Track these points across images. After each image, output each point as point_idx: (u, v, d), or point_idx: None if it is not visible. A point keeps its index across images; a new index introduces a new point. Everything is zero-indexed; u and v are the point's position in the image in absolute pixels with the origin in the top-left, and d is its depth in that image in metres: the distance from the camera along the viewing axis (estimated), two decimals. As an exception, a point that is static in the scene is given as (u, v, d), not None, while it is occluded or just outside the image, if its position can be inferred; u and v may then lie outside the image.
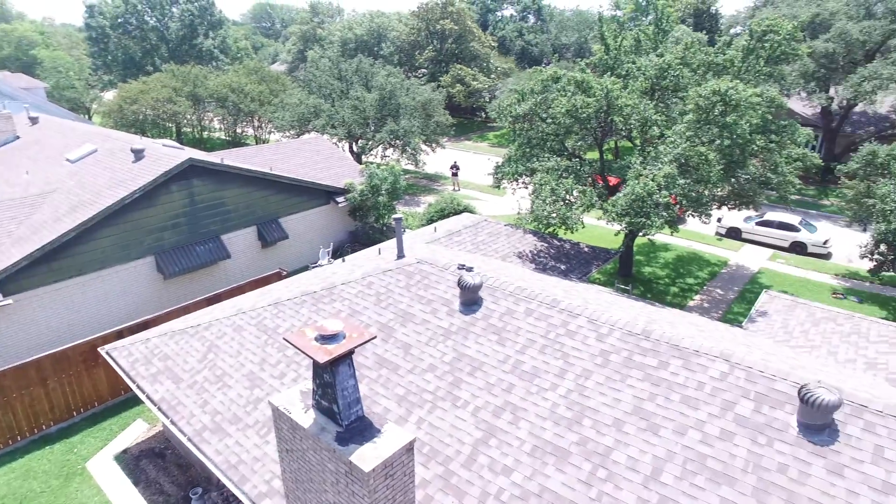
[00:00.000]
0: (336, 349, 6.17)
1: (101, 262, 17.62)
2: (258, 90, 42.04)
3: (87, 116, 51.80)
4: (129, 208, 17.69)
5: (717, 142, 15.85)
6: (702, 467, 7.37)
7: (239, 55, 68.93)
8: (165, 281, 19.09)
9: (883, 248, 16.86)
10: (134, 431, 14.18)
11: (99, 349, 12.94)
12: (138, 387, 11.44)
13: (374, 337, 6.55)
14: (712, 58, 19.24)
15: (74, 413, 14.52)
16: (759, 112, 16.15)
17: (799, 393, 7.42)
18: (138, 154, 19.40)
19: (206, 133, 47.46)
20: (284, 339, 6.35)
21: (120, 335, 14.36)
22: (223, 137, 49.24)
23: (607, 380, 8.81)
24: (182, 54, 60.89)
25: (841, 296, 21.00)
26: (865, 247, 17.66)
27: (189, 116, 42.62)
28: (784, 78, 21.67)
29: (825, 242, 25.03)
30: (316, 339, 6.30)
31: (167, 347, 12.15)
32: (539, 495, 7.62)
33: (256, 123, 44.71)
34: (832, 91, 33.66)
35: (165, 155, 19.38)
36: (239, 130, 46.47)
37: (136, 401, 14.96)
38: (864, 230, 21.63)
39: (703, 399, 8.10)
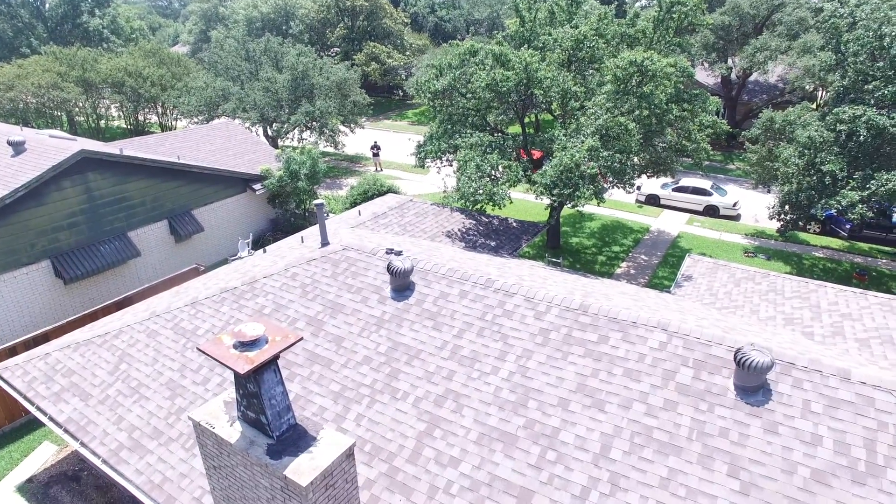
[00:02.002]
0: (258, 356, 5.56)
1: (-18, 271, 15.75)
2: (158, 74, 39.00)
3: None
4: (11, 209, 15.81)
5: (636, 112, 16.07)
6: (649, 439, 7.36)
7: (133, 36, 63.73)
8: (67, 286, 17.37)
9: (787, 208, 17.85)
10: (40, 456, 12.82)
11: (-12, 370, 11.50)
12: (38, 408, 10.23)
13: (301, 338, 5.98)
14: (625, 29, 19.48)
15: (-34, 443, 12.98)
16: (673, 82, 16.50)
17: (734, 357, 7.54)
18: (17, 147, 17.37)
19: (103, 122, 43.62)
20: (199, 349, 5.66)
21: (13, 352, 12.89)
22: (124, 126, 45.58)
23: (549, 359, 8.66)
24: (65, 34, 55.42)
25: (752, 254, 22.22)
26: (773, 208, 18.64)
27: (81, 104, 38.93)
28: (691, 48, 22.36)
29: (735, 205, 26.39)
30: (234, 347, 5.66)
31: (71, 361, 10.94)
32: (489, 484, 7.38)
33: (160, 110, 41.62)
34: (730, 61, 35.42)
35: (53, 147, 17.48)
36: (141, 118, 43.11)
37: (39, 422, 13.53)
38: (768, 192, 22.88)
39: (645, 371, 8.11)
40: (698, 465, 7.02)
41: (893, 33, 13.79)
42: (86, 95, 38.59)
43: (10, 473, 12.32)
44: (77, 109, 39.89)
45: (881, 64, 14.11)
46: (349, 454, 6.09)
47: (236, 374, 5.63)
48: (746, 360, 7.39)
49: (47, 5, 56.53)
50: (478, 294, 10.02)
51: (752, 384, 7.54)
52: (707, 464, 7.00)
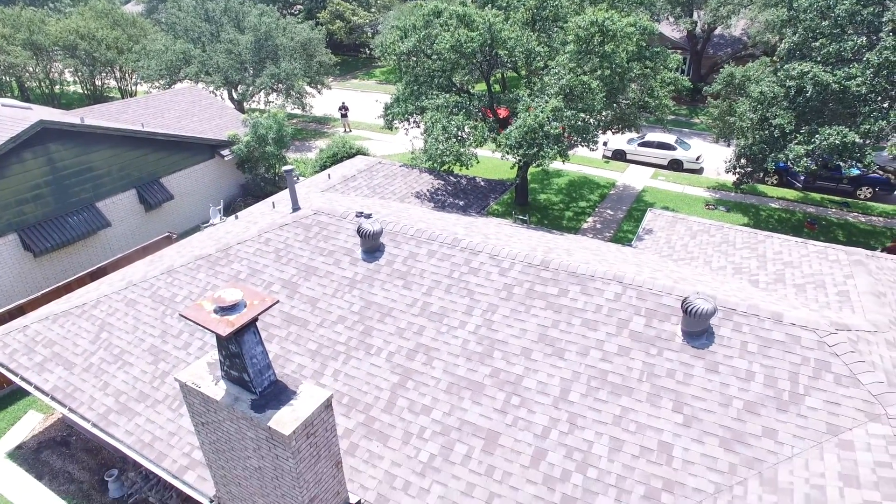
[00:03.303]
0: (238, 319, 5.99)
1: (-52, 247, 15.64)
2: (113, 36, 37.53)
3: None
4: (-31, 183, 15.61)
5: (599, 71, 16.39)
6: (603, 382, 8.06)
7: (83, -6, 60.64)
8: (37, 259, 17.33)
9: (743, 161, 18.55)
10: (27, 424, 13.15)
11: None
12: (23, 378, 10.53)
13: (277, 301, 6.40)
14: (588, -15, 19.56)
15: (-50, 415, 13.21)
16: (635, 40, 16.80)
17: (682, 305, 8.21)
18: (-33, 117, 16.97)
19: (57, 87, 41.94)
20: (181, 315, 6.05)
21: (-9, 325, 12.99)
22: (80, 91, 43.98)
23: (513, 312, 9.25)
24: (6, -7, 52.53)
25: (712, 207, 23.08)
26: (729, 161, 19.33)
27: (32, 69, 37.34)
28: (654, 4, 22.55)
29: (698, 158, 27.11)
30: (215, 312, 6.07)
31: (51, 332, 11.19)
32: (459, 428, 8.03)
33: (118, 74, 40.21)
34: (695, 15, 35.63)
35: (8, 118, 17.09)
36: (99, 83, 41.61)
37: (22, 392, 13.81)
38: (728, 145, 23.59)
39: (601, 320, 8.76)
40: (647, 403, 7.75)
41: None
42: (36, 60, 37.02)
43: (-1, 442, 12.69)
44: (27, 75, 38.31)
45: (827, 22, 14.64)
46: (327, 405, 6.63)
47: (218, 337, 6.05)
48: (692, 307, 8.08)
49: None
50: (445, 253, 10.50)
51: (697, 329, 8.26)
52: (655, 402, 7.74)
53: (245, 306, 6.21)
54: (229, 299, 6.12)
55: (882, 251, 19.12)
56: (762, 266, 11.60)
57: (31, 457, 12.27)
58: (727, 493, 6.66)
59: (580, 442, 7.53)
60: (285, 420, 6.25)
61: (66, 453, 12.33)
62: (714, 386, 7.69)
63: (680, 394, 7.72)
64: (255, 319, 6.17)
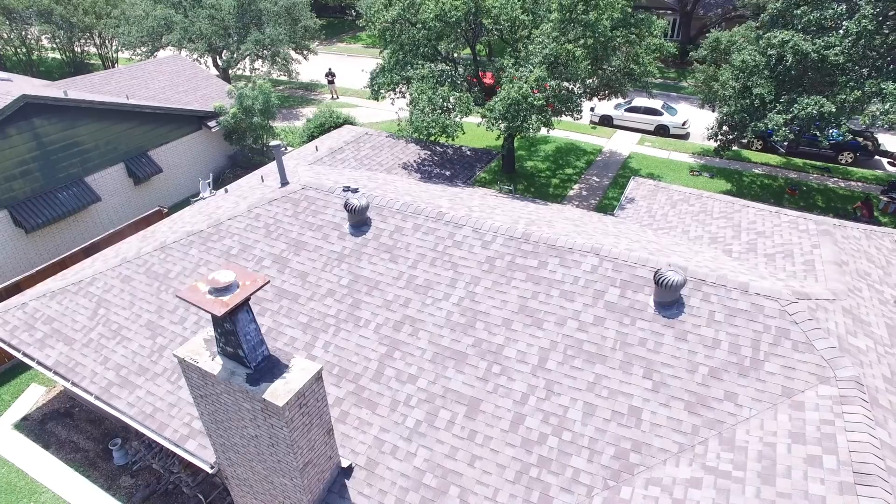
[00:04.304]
0: (232, 300, 6.35)
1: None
2: (90, 0, 36.60)
3: None
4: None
5: (582, 40, 16.46)
6: (579, 351, 8.55)
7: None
8: (29, 235, 17.51)
9: (725, 129, 18.79)
10: (31, 397, 13.62)
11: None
12: (25, 354, 10.92)
13: (268, 281, 6.76)
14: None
15: (-46, 389, 13.64)
16: (619, 7, 16.82)
17: (654, 277, 8.65)
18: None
19: (35, 54, 40.96)
20: (177, 296, 6.41)
21: (-11, 302, 13.31)
22: (59, 58, 43.04)
23: (494, 284, 9.67)
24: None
25: (697, 173, 23.43)
26: (711, 129, 19.57)
27: (6, 35, 36.44)
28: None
29: (684, 124, 27.30)
30: (210, 293, 6.43)
31: (49, 309, 11.54)
32: (443, 396, 8.54)
33: (98, 41, 39.36)
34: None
35: (-9, 93, 17.03)
36: (78, 49, 40.74)
37: (23, 367, 14.23)
38: (714, 111, 23.78)
39: (578, 292, 9.20)
40: (620, 370, 8.26)
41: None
42: (9, 25, 36.11)
43: (5, 413, 13.15)
44: (1, 41, 37.44)
45: (809, -13, 14.76)
46: (318, 377, 7.09)
47: (214, 316, 6.44)
48: (663, 279, 8.52)
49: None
50: (430, 227, 10.84)
51: (668, 299, 8.72)
52: (627, 369, 8.25)
53: (238, 287, 6.57)
54: (223, 281, 6.48)
55: (853, 209, 19.68)
56: (736, 236, 12.05)
57: (37, 428, 12.78)
58: (689, 452, 7.24)
59: (556, 407, 8.06)
60: (279, 392, 6.70)
61: (71, 424, 12.84)
62: (682, 353, 8.19)
63: (650, 361, 8.23)
64: (247, 299, 6.55)
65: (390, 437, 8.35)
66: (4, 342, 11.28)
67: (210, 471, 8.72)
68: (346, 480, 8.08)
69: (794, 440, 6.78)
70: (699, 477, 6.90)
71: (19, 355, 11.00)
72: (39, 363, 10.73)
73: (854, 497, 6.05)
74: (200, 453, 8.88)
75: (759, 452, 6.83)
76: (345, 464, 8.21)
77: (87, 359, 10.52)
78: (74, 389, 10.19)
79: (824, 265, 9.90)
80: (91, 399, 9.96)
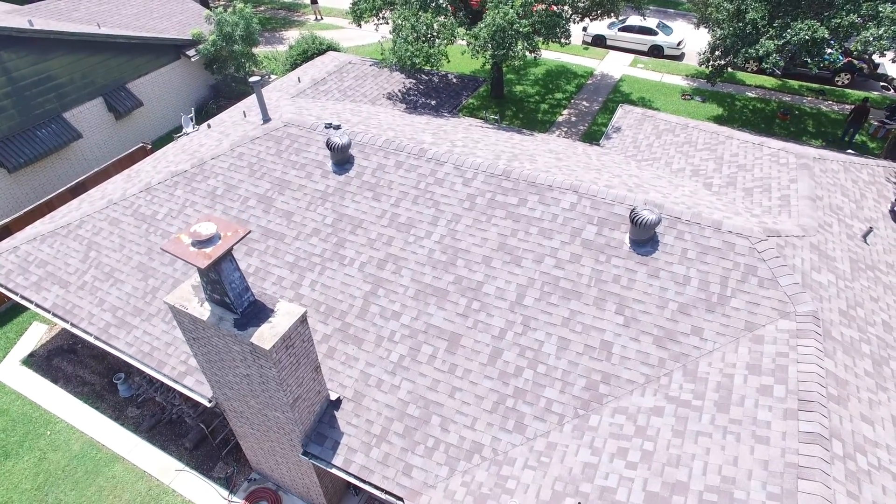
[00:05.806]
0: (214, 251, 6.56)
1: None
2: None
3: None
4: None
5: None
6: (556, 287, 8.89)
7: None
8: (12, 175, 17.38)
9: (717, 54, 18.29)
10: (34, 335, 14.10)
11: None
12: (23, 297, 11.25)
13: (249, 232, 6.94)
14: None
15: (-42, 328, 14.07)
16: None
17: (629, 216, 8.85)
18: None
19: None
20: (162, 248, 6.61)
21: (-20, 244, 13.48)
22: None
23: (475, 222, 9.87)
24: None
25: (689, 97, 23.05)
26: (703, 54, 19.03)
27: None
28: None
29: (679, 44, 26.50)
30: (193, 245, 6.62)
31: (41, 253, 11.75)
32: (425, 331, 8.96)
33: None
34: None
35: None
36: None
37: (22, 308, 14.62)
38: (708, 31, 23.04)
39: (556, 229, 9.42)
40: (594, 306, 8.63)
41: None
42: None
43: (11, 351, 13.66)
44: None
45: None
46: (303, 320, 7.43)
47: (198, 268, 6.66)
48: (637, 218, 8.72)
49: None
50: (412, 164, 10.88)
51: (643, 238, 8.96)
52: (600, 305, 8.62)
53: (220, 238, 6.75)
54: (205, 233, 6.65)
55: (850, 112, 19.43)
56: (718, 169, 12.13)
57: (44, 363, 13.34)
58: (654, 383, 7.73)
59: (532, 342, 8.49)
60: (265, 336, 7.06)
61: (75, 360, 13.39)
62: (654, 290, 8.54)
63: (623, 297, 8.59)
64: (230, 250, 6.75)
65: (375, 371, 8.83)
66: (2, 286, 11.56)
67: (208, 404, 9.26)
68: (335, 412, 8.64)
69: (751, 371, 7.25)
70: (662, 406, 7.42)
71: (17, 298, 11.31)
72: (38, 305, 11.07)
73: (795, 422, 6.58)
74: (198, 388, 9.39)
75: (718, 383, 7.32)
76: (333, 397, 8.74)
77: (83, 301, 10.85)
78: (74, 330, 10.59)
79: (799, 200, 10.08)
80: (91, 339, 10.37)
